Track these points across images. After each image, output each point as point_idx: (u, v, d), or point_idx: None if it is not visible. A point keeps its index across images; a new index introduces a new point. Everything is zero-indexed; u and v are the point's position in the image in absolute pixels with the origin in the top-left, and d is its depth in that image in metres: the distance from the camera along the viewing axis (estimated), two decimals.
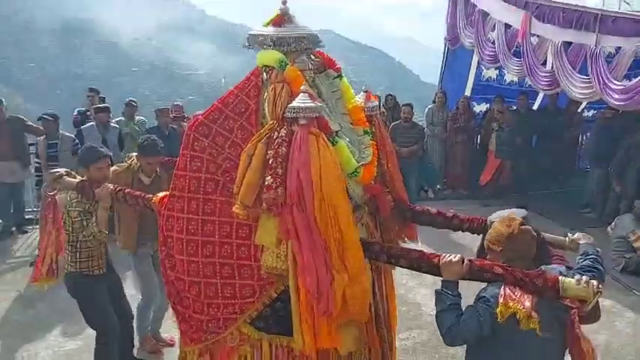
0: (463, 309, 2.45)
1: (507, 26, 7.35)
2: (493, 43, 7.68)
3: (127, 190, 3.36)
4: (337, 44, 61.93)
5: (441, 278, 2.50)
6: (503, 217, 2.56)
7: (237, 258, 2.63)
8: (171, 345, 4.38)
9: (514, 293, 2.26)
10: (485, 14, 7.83)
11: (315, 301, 2.32)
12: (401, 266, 2.64)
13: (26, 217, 7.14)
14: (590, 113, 9.58)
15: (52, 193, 3.58)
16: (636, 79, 5.13)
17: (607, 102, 5.65)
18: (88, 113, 7.37)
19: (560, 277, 2.26)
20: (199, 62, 65.49)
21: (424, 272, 2.59)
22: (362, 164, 2.66)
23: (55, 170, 3.59)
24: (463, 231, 3.07)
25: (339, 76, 2.86)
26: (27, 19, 60.79)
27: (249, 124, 2.60)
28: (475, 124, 8.95)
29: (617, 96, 5.32)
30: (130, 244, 4.09)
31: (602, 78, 5.50)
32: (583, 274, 2.31)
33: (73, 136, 6.43)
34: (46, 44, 60.26)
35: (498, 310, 2.24)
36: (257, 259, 2.59)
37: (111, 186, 3.36)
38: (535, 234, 2.54)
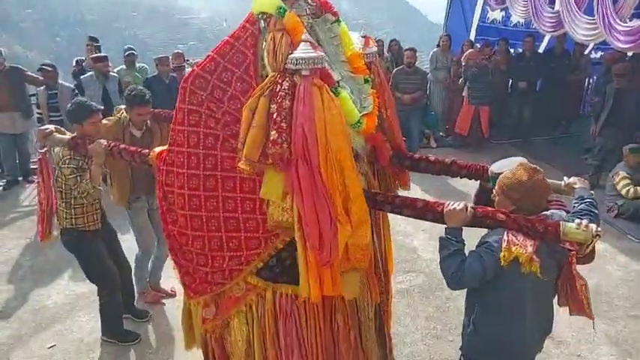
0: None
1: None
2: None
3: (122, 146, 3.28)
4: None
5: (438, 224, 2.57)
6: (524, 164, 2.52)
7: (242, 212, 2.61)
8: (173, 295, 4.51)
9: (516, 238, 2.34)
10: None
11: (317, 252, 2.34)
12: (405, 215, 2.66)
13: (32, 167, 7.25)
14: (598, 55, 9.35)
15: (42, 151, 3.52)
16: None
17: (611, 44, 5.50)
18: (84, 64, 7.28)
19: (560, 222, 2.33)
20: (199, 5, 63.69)
21: (428, 220, 2.62)
22: (364, 114, 2.62)
23: (44, 127, 3.53)
24: (461, 177, 3.09)
25: (337, 21, 2.75)
26: None
27: (248, 75, 2.50)
28: None
29: (622, 38, 5.18)
30: (123, 200, 4.07)
31: (608, 18, 5.33)
32: (582, 218, 2.38)
33: (72, 86, 6.40)
34: None
35: (502, 254, 2.32)
36: (262, 212, 2.57)
37: (104, 142, 3.28)
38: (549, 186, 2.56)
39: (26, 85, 6.71)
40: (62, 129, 3.56)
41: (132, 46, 7.66)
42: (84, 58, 7.48)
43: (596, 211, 2.57)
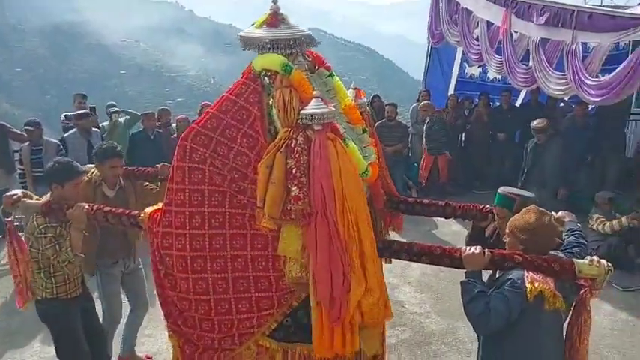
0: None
1: (490, 24, 7.45)
2: (478, 40, 7.76)
3: (106, 209, 3.08)
4: (326, 43, 62.02)
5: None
6: (532, 208, 2.65)
7: (253, 270, 2.53)
8: None
9: (536, 275, 2.43)
10: (468, 12, 7.91)
11: (327, 310, 2.30)
12: (423, 262, 2.68)
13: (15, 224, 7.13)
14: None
15: (9, 219, 3.28)
16: (610, 75, 5.21)
17: (583, 98, 5.73)
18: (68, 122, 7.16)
19: (574, 260, 2.44)
20: (188, 63, 65.34)
21: (446, 266, 2.69)
22: (369, 163, 2.66)
23: (10, 193, 3.28)
24: (455, 218, 3.23)
25: (331, 75, 2.82)
26: (15, 23, 60.35)
27: (254, 131, 2.49)
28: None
29: (592, 91, 5.40)
30: (89, 266, 3.69)
31: (578, 74, 5.58)
32: (573, 250, 2.61)
33: (57, 141, 6.42)
34: (35, 48, 59.86)
35: (528, 288, 2.39)
36: (276, 269, 2.50)
37: (86, 205, 3.08)
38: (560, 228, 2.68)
39: (10, 142, 6.70)
40: (29, 193, 3.35)
41: (114, 103, 7.75)
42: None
43: (585, 242, 2.79)
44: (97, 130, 6.99)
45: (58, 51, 59.74)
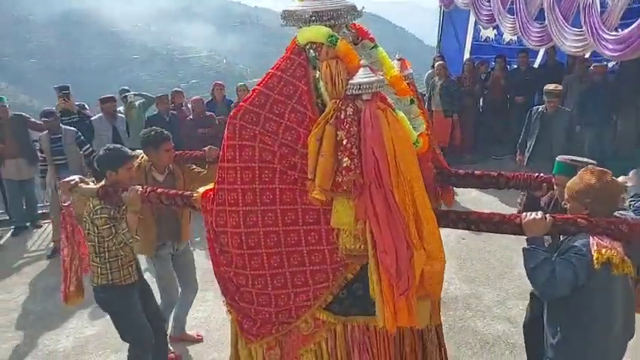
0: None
1: None
2: (489, 1, 7.55)
3: (159, 190, 3.09)
4: None
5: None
6: (589, 168, 2.54)
7: (307, 244, 2.52)
8: (200, 340, 4.42)
9: (603, 240, 2.32)
10: None
11: (394, 281, 2.27)
12: (482, 230, 2.64)
13: (39, 212, 7.30)
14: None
15: (66, 204, 3.29)
16: (629, 29, 5.04)
17: (601, 53, 5.56)
18: (59, 114, 6.64)
19: None
20: (199, 44, 65.11)
21: (507, 233, 2.63)
22: (419, 134, 2.62)
23: (69, 179, 3.31)
24: (509, 188, 3.14)
25: (375, 46, 2.76)
26: (25, 14, 60.70)
27: (302, 106, 2.46)
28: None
29: (611, 46, 5.24)
30: (148, 249, 3.86)
31: (596, 29, 5.40)
32: None
33: (74, 129, 6.50)
34: (46, 38, 60.29)
35: (595, 256, 2.28)
36: (329, 242, 2.49)
37: (139, 187, 3.11)
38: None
39: (29, 132, 6.82)
40: (85, 179, 3.38)
41: (127, 87, 7.77)
42: (53, 108, 6.75)
43: None
44: (122, 115, 7.08)
45: (69, 40, 59.99)
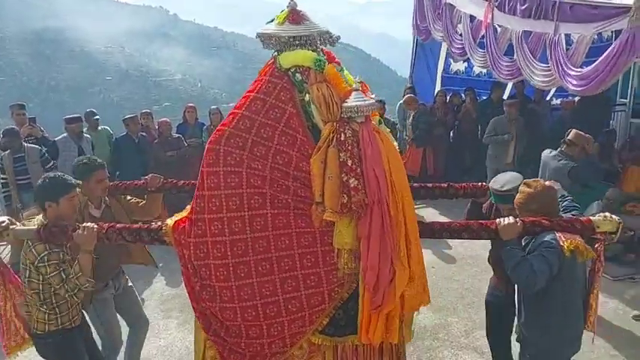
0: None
1: (472, 17, 7.46)
2: (461, 35, 7.76)
3: (119, 226, 2.80)
4: None
5: None
6: (524, 181, 2.90)
7: (302, 267, 2.48)
8: None
9: (564, 234, 2.64)
10: (451, 7, 7.91)
11: (370, 295, 2.35)
12: (464, 238, 2.81)
13: None
14: (559, 101, 9.73)
15: None
16: (593, 65, 5.23)
17: (566, 88, 5.75)
18: (21, 133, 6.42)
19: (591, 217, 2.69)
20: (174, 67, 65.01)
21: (484, 239, 2.88)
22: None
23: None
24: (458, 197, 3.42)
25: (342, 69, 2.78)
26: None
27: (291, 128, 2.47)
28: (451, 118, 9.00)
29: (575, 82, 5.42)
30: (86, 294, 3.21)
31: (561, 65, 5.60)
32: (572, 212, 2.94)
33: (38, 147, 6.30)
34: (16, 55, 59.22)
35: (565, 245, 2.59)
36: (326, 264, 2.48)
37: (94, 225, 2.77)
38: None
39: None
40: (13, 220, 2.95)
41: (94, 110, 7.59)
42: (14, 127, 6.47)
43: (578, 205, 3.08)
44: (88, 135, 6.88)
45: (41, 58, 59.15)
